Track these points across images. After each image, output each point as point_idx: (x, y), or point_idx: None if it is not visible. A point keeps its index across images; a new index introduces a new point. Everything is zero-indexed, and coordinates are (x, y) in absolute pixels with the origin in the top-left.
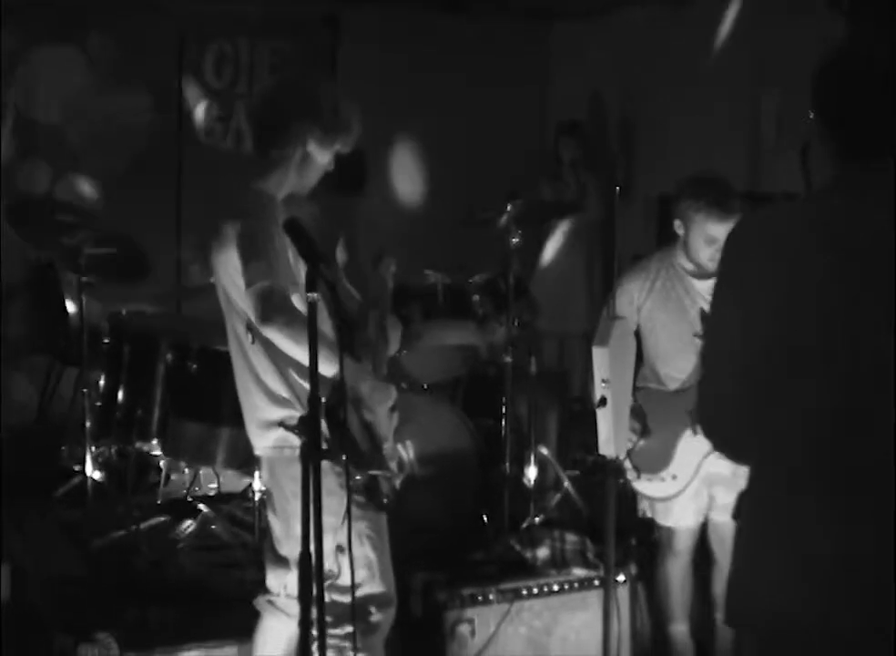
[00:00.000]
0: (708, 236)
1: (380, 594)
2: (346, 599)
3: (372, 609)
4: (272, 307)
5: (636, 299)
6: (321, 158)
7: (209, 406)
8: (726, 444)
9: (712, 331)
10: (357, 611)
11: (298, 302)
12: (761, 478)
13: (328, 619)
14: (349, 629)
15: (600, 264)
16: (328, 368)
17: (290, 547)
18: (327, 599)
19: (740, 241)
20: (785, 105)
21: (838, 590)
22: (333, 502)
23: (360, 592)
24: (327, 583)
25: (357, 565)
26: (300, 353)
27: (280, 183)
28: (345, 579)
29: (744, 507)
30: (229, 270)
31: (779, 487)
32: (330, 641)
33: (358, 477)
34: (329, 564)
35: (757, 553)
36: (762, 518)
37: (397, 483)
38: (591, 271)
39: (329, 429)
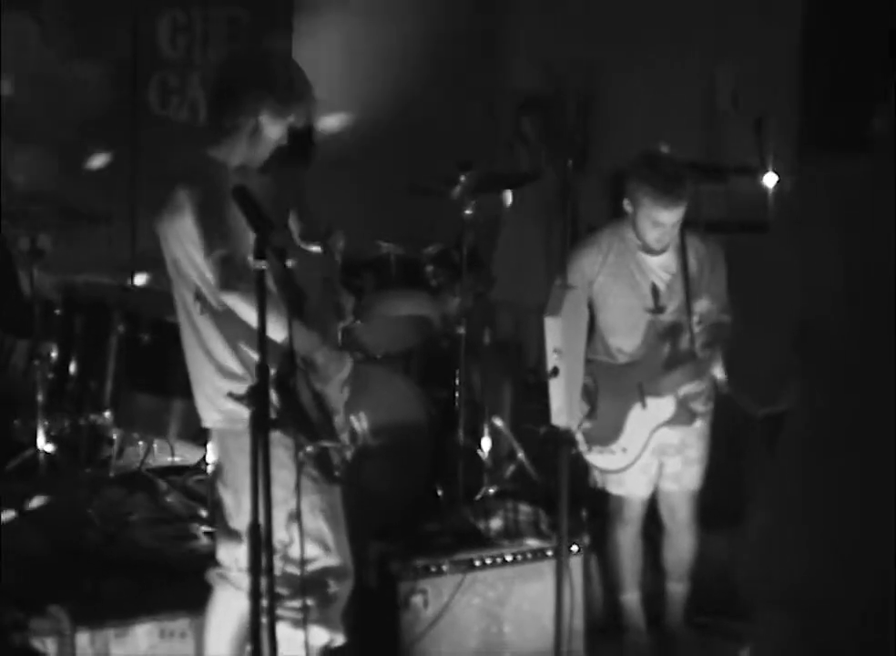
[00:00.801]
0: (655, 220)
1: (336, 566)
2: (295, 570)
3: (330, 582)
4: (233, 274)
5: (588, 272)
6: (274, 130)
7: (162, 378)
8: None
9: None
10: (314, 584)
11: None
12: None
13: (284, 591)
14: (305, 601)
15: (557, 236)
16: (279, 335)
17: (241, 520)
18: (280, 571)
19: None
20: (739, 77)
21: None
22: (284, 474)
23: (316, 565)
24: (279, 554)
25: (311, 538)
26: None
27: (232, 153)
28: (299, 552)
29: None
30: (182, 238)
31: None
32: (286, 614)
33: (309, 449)
34: (281, 534)
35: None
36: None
37: (348, 455)
38: (548, 244)
39: (279, 399)
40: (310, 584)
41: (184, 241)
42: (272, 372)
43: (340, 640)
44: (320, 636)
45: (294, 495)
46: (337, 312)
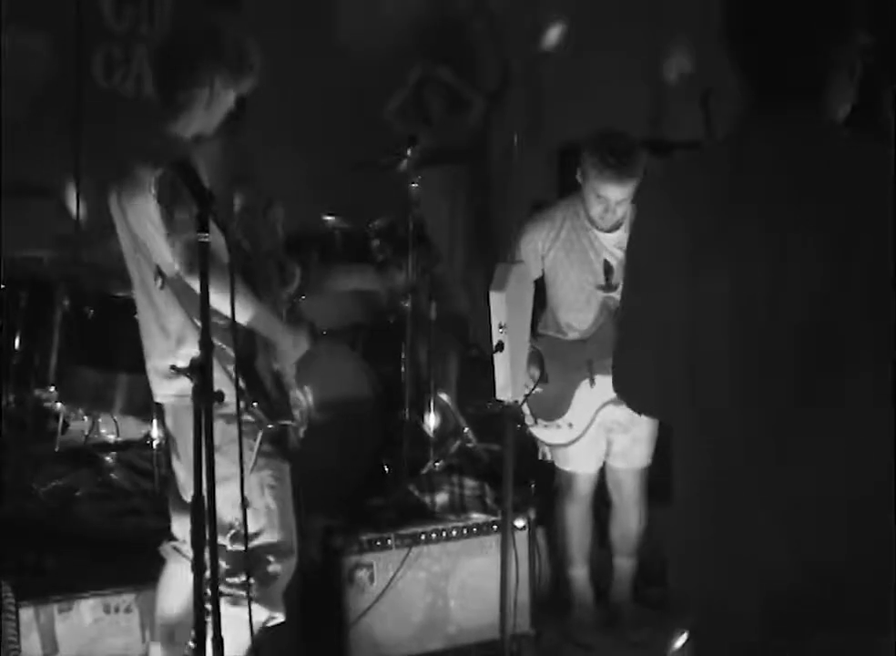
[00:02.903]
0: (599, 193)
1: (278, 543)
2: (242, 547)
3: (270, 559)
4: (198, 257)
5: (540, 247)
6: (227, 98)
7: (107, 353)
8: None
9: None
10: (256, 560)
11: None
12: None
13: (227, 567)
14: (244, 577)
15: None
16: (243, 314)
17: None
18: (228, 547)
19: (655, 197)
20: (688, 52)
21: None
22: (236, 450)
23: (258, 541)
24: (233, 532)
25: (258, 514)
26: (224, 304)
27: (188, 125)
28: (249, 528)
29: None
30: (143, 217)
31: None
32: (226, 590)
33: (270, 427)
34: (231, 516)
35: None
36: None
37: (301, 432)
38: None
39: (242, 378)
40: (252, 561)
41: (145, 221)
42: (234, 351)
43: (279, 618)
44: (258, 613)
45: (246, 470)
46: (283, 280)
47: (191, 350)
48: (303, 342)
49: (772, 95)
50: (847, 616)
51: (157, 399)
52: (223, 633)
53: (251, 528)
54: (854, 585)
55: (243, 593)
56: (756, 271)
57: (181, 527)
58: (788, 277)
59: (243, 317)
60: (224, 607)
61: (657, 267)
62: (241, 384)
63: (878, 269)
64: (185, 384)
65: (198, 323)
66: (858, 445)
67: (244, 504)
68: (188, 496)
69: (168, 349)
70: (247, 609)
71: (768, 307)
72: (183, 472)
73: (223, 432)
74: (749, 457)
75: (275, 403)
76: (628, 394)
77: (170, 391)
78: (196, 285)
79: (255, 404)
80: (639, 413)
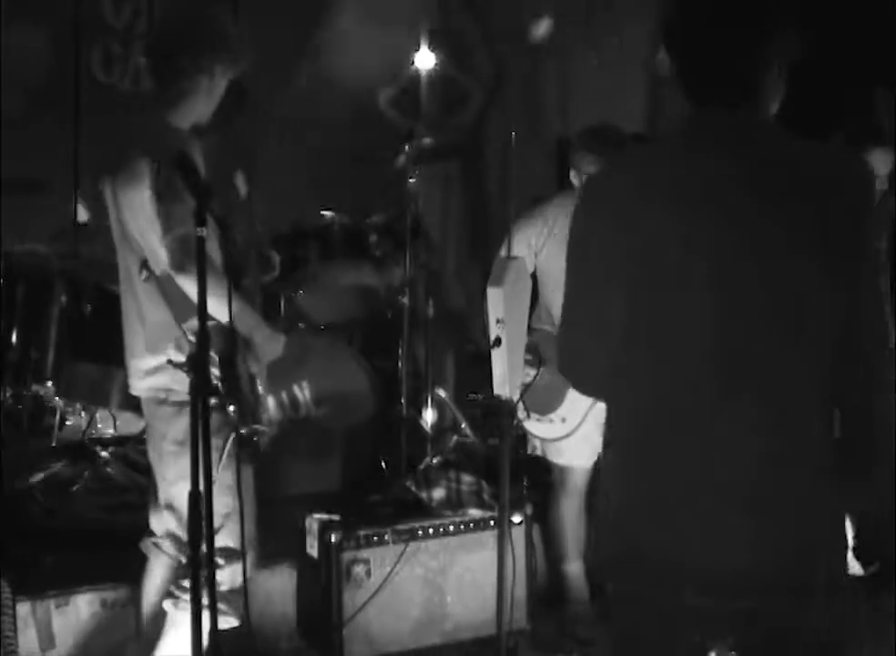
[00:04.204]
0: None
1: (229, 546)
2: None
3: (220, 562)
4: (189, 255)
5: (533, 243)
6: (222, 85)
7: (104, 347)
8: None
9: (574, 284)
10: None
11: (214, 249)
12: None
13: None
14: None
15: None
16: (224, 315)
17: (163, 488)
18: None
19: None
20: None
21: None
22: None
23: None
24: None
25: (217, 516)
26: (210, 303)
27: (189, 114)
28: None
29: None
30: (136, 209)
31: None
32: (177, 592)
33: (242, 430)
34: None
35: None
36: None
37: (269, 436)
38: (483, 213)
39: (222, 379)
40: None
41: (137, 213)
42: (214, 351)
43: (232, 622)
44: (208, 616)
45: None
46: (263, 269)
47: (168, 345)
48: (280, 343)
49: (711, 95)
50: (788, 583)
51: (133, 391)
52: (179, 634)
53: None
54: (796, 556)
55: (184, 595)
56: (697, 271)
57: (158, 522)
58: (732, 273)
59: (225, 316)
60: (175, 610)
61: (596, 255)
62: (220, 385)
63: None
64: (160, 380)
65: (179, 322)
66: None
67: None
68: (160, 490)
69: (146, 343)
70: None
71: (716, 301)
72: (154, 466)
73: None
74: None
75: (249, 406)
76: (571, 373)
77: (144, 384)
78: (183, 282)
79: (231, 406)
80: (581, 392)
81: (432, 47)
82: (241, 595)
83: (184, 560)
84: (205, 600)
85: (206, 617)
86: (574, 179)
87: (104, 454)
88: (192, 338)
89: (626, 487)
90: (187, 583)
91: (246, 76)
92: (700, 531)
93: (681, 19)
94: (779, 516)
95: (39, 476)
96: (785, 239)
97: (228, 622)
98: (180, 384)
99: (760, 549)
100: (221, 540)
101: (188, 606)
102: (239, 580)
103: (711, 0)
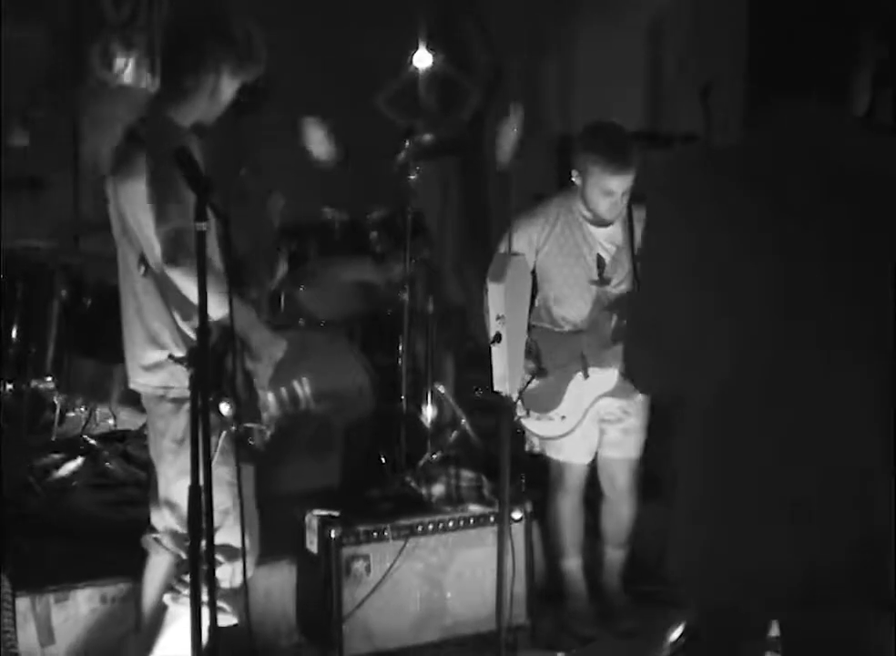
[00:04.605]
0: (605, 188)
1: (229, 544)
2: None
3: (220, 559)
4: (181, 249)
5: (534, 241)
6: (230, 88)
7: (104, 343)
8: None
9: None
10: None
11: (213, 245)
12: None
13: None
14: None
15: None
16: (219, 311)
17: (162, 485)
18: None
19: (675, 189)
20: (686, 45)
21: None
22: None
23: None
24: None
25: (215, 513)
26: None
27: (191, 112)
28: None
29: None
30: (134, 202)
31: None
32: (178, 587)
33: (234, 427)
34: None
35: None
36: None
37: (268, 435)
38: (482, 209)
39: (213, 375)
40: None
41: (135, 206)
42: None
43: (230, 620)
44: (207, 614)
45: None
46: (268, 277)
47: (167, 340)
48: (280, 345)
49: (793, 92)
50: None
51: (132, 386)
52: (179, 629)
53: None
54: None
55: (184, 591)
56: (771, 268)
57: (159, 518)
58: (803, 273)
59: (219, 312)
60: (175, 605)
61: (666, 269)
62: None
63: None
64: (159, 377)
65: (176, 316)
66: (865, 446)
67: (210, 501)
68: (160, 487)
69: (145, 338)
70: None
71: (784, 303)
72: (153, 461)
73: (189, 427)
74: (758, 456)
75: (243, 403)
76: (636, 379)
77: (143, 380)
78: (175, 276)
79: (224, 403)
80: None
81: (431, 46)
82: (241, 593)
83: (184, 556)
84: (204, 597)
85: (205, 613)
86: (576, 179)
87: (103, 449)
88: (191, 333)
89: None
90: (187, 578)
91: (261, 79)
92: (769, 541)
93: (779, 16)
94: (838, 526)
95: (45, 475)
96: (861, 240)
97: (226, 620)
98: (179, 380)
99: (814, 555)
100: (221, 538)
101: (188, 601)
102: (238, 579)
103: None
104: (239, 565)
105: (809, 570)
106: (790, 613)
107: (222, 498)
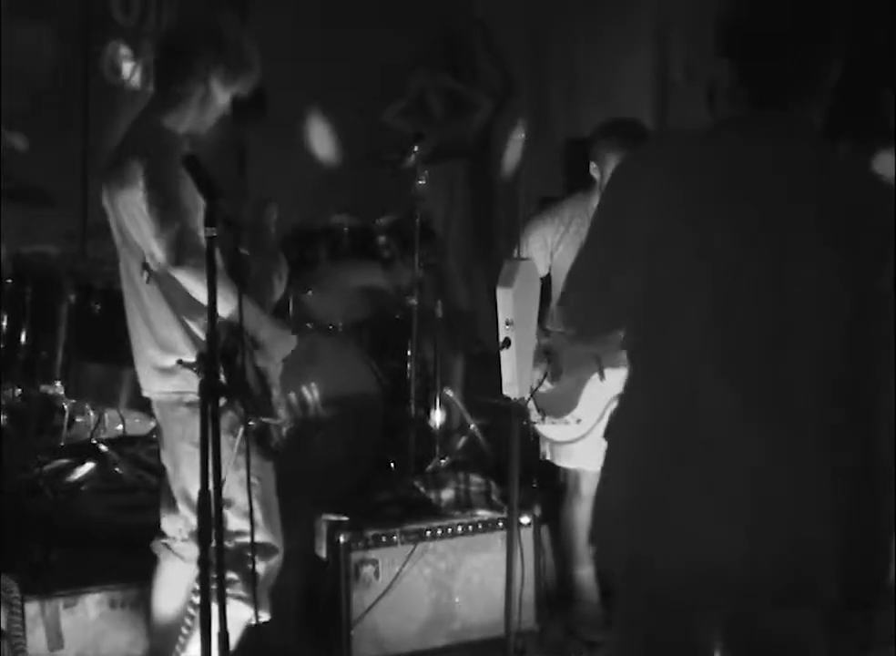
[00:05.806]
0: None
1: (263, 543)
2: (229, 544)
3: (255, 558)
4: (184, 250)
5: (549, 243)
6: (222, 97)
7: (113, 347)
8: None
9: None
10: (238, 558)
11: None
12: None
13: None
14: (230, 575)
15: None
16: (227, 309)
17: (177, 488)
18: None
19: (631, 172)
20: (693, 47)
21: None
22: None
23: (240, 540)
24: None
25: (239, 512)
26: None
27: (181, 120)
28: (230, 525)
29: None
30: (131, 208)
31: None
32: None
33: (250, 424)
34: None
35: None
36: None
37: (284, 431)
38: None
39: (224, 373)
40: (235, 559)
41: (134, 213)
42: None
43: (264, 616)
44: (243, 612)
45: (232, 468)
46: (276, 283)
47: (176, 344)
48: (289, 340)
49: (771, 98)
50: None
51: (145, 393)
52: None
53: (233, 527)
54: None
55: (227, 591)
56: (729, 253)
57: (170, 522)
58: (766, 267)
59: (226, 310)
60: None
61: (622, 227)
62: (224, 378)
63: (871, 271)
64: (173, 382)
65: (184, 320)
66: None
67: (219, 499)
68: (174, 490)
69: (155, 344)
70: (232, 607)
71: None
72: (169, 467)
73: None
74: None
75: (257, 400)
76: (573, 326)
77: (156, 386)
78: (181, 276)
79: (237, 400)
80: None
81: (440, 57)
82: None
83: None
84: (238, 593)
85: (244, 610)
86: (594, 172)
87: (112, 453)
88: (201, 334)
89: (633, 481)
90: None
91: (262, 88)
92: (705, 532)
93: (757, 28)
94: (781, 519)
95: (54, 480)
96: (811, 239)
97: (260, 618)
98: (193, 384)
99: (758, 552)
100: (258, 536)
101: (231, 600)
102: (274, 576)
103: (791, 13)
104: (270, 562)
105: (751, 563)
106: (734, 607)
107: (245, 499)
